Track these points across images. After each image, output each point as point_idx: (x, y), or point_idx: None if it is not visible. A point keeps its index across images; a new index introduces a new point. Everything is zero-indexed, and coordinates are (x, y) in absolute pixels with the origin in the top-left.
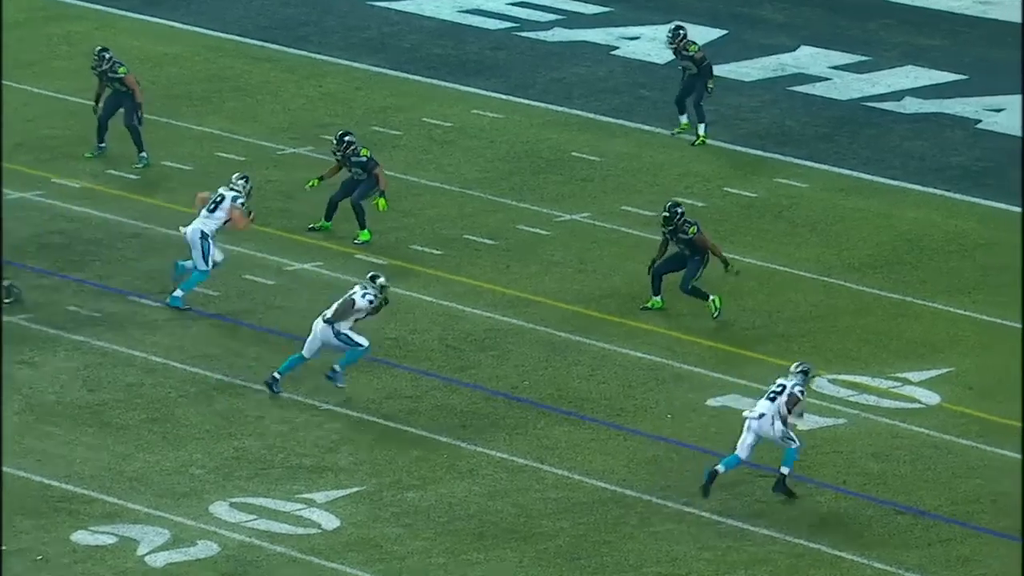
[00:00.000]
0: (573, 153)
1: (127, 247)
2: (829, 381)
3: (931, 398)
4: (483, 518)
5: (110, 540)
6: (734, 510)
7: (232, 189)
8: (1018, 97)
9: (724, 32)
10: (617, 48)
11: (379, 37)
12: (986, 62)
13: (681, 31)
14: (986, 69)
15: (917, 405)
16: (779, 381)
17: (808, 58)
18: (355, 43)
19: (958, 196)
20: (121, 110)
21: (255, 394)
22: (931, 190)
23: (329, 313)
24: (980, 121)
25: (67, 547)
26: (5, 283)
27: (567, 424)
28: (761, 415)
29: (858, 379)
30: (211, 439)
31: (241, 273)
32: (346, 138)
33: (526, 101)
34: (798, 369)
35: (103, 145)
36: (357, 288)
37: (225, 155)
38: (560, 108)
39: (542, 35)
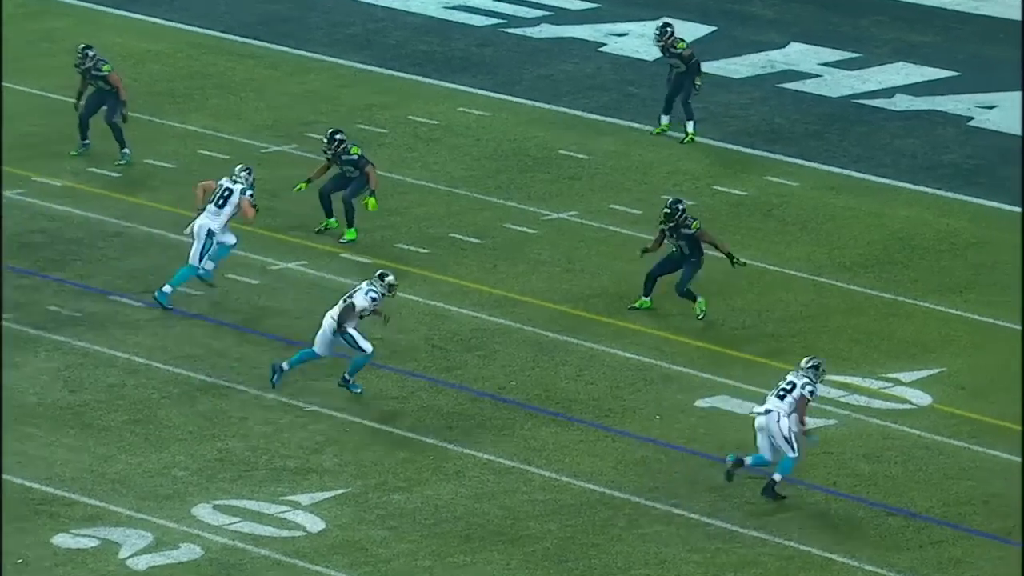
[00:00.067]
0: (560, 151)
1: (109, 246)
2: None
3: (923, 399)
4: (470, 520)
5: (91, 543)
6: (723, 512)
7: (236, 181)
8: (1010, 94)
9: (713, 28)
10: (605, 44)
11: (364, 33)
12: (978, 59)
13: (669, 28)
14: (978, 66)
15: (908, 406)
16: (788, 377)
17: (798, 55)
18: (339, 40)
19: (950, 194)
20: (104, 107)
21: (239, 395)
22: (923, 188)
23: (335, 313)
24: (972, 118)
25: (48, 550)
26: None
27: (554, 425)
28: (768, 411)
29: (849, 379)
30: (194, 440)
31: (224, 272)
32: (337, 136)
33: (513, 98)
34: (808, 365)
35: (87, 142)
36: (363, 285)
37: (208, 153)
38: (547, 105)
39: (529, 31)
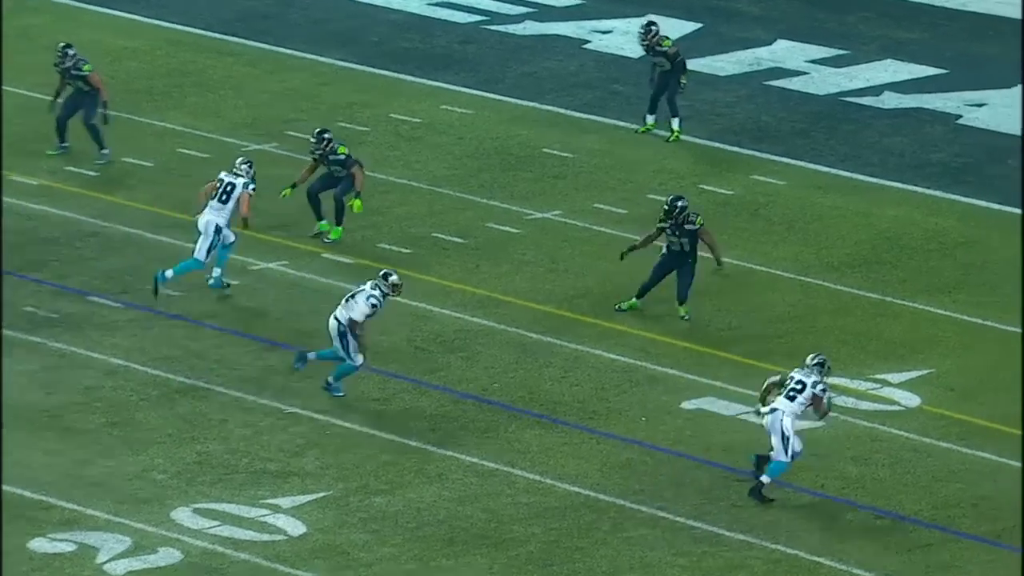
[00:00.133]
0: (544, 149)
1: (86, 246)
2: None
3: (911, 400)
4: (453, 524)
5: (69, 547)
6: (710, 515)
7: (237, 175)
8: (999, 92)
9: (699, 25)
10: (589, 42)
11: (345, 30)
12: (967, 56)
13: (653, 27)
14: (967, 63)
15: (897, 407)
16: (795, 377)
17: (785, 52)
18: (320, 37)
19: (938, 193)
20: (81, 110)
21: (218, 397)
22: (911, 187)
23: (339, 314)
24: (961, 116)
25: (24, 555)
26: None
27: (538, 427)
28: (774, 410)
29: (836, 381)
30: (173, 443)
31: (203, 274)
32: (325, 135)
33: (496, 96)
34: (814, 362)
35: (65, 145)
36: (366, 286)
37: (187, 151)
38: (531, 103)
39: (512, 28)
